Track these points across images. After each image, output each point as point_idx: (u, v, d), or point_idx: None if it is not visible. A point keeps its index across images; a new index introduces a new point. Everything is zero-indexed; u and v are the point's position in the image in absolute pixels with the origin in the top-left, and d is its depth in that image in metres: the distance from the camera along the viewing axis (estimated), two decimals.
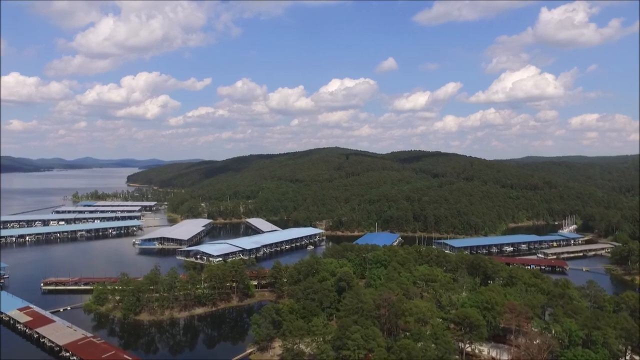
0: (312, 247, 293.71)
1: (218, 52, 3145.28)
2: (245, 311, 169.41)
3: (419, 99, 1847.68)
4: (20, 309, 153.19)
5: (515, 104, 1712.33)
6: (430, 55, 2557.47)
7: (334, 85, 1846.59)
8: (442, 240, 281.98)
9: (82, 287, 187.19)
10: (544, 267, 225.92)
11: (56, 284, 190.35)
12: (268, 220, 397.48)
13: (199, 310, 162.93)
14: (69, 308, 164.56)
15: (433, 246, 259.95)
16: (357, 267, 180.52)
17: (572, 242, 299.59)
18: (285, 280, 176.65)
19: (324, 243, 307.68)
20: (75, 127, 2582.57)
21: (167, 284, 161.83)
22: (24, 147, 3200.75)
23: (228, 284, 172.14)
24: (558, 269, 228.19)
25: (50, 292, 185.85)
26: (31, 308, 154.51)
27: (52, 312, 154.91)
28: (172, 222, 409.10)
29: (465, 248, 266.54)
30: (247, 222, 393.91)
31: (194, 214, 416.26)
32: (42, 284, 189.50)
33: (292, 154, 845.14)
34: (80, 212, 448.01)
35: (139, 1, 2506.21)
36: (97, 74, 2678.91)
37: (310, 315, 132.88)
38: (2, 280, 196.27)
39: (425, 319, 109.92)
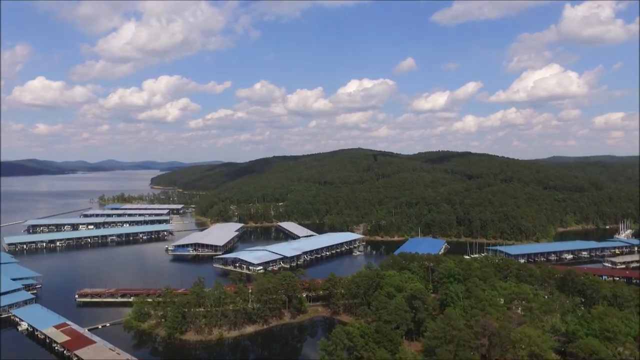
0: (358, 252, 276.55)
1: (237, 55, 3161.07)
2: (298, 328, 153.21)
3: (438, 99, 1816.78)
4: (57, 326, 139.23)
5: (537, 103, 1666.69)
6: (449, 55, 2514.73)
7: (353, 86, 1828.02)
8: (496, 247, 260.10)
9: (119, 299, 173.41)
10: (618, 279, 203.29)
11: (92, 295, 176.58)
12: (300, 224, 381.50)
13: (250, 329, 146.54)
14: (107, 324, 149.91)
15: (485, 253, 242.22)
16: (421, 280, 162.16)
17: (637, 248, 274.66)
18: (340, 294, 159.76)
19: (361, 248, 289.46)
20: (98, 130, 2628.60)
21: (215, 298, 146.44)
22: (49, 150, 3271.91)
23: (278, 298, 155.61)
24: (635, 281, 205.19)
25: (86, 304, 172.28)
26: (68, 325, 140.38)
27: (91, 330, 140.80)
28: (200, 225, 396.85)
29: (523, 255, 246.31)
30: (280, 226, 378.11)
31: (224, 217, 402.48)
32: (76, 296, 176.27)
33: (316, 155, 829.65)
34: (108, 215, 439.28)
35: (160, 2, 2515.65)
36: (119, 77, 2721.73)
37: (386, 340, 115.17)
38: (35, 291, 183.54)
39: (540, 352, 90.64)
